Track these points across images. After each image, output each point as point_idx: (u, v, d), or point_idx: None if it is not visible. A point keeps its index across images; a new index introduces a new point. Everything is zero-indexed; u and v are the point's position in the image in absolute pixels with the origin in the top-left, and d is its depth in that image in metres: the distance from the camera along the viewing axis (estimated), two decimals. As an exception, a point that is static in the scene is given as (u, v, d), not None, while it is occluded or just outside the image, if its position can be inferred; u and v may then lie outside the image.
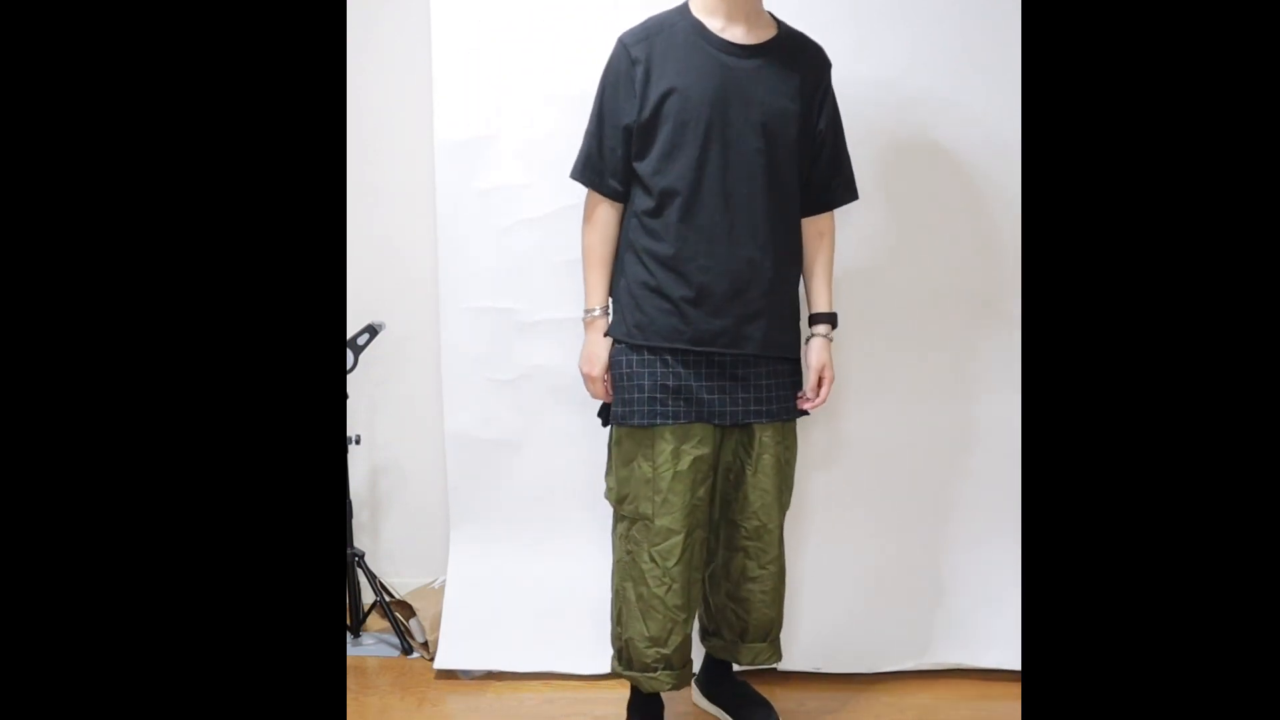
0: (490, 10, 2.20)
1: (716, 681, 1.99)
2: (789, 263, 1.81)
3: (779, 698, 2.04)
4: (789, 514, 1.95)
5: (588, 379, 1.84)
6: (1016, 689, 2.09)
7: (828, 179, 1.86)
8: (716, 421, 1.78)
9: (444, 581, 2.38)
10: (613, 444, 1.87)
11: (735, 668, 2.02)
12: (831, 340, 1.87)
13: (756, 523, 1.84)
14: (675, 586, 1.79)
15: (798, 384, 1.87)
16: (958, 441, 2.22)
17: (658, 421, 1.76)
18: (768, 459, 1.82)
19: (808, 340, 1.88)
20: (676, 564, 1.78)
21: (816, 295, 1.87)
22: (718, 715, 1.99)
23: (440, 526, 2.48)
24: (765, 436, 1.82)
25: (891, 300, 2.19)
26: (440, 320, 2.31)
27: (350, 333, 2.35)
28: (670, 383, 1.76)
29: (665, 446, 1.77)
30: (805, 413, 1.87)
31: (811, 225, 1.87)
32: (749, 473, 1.84)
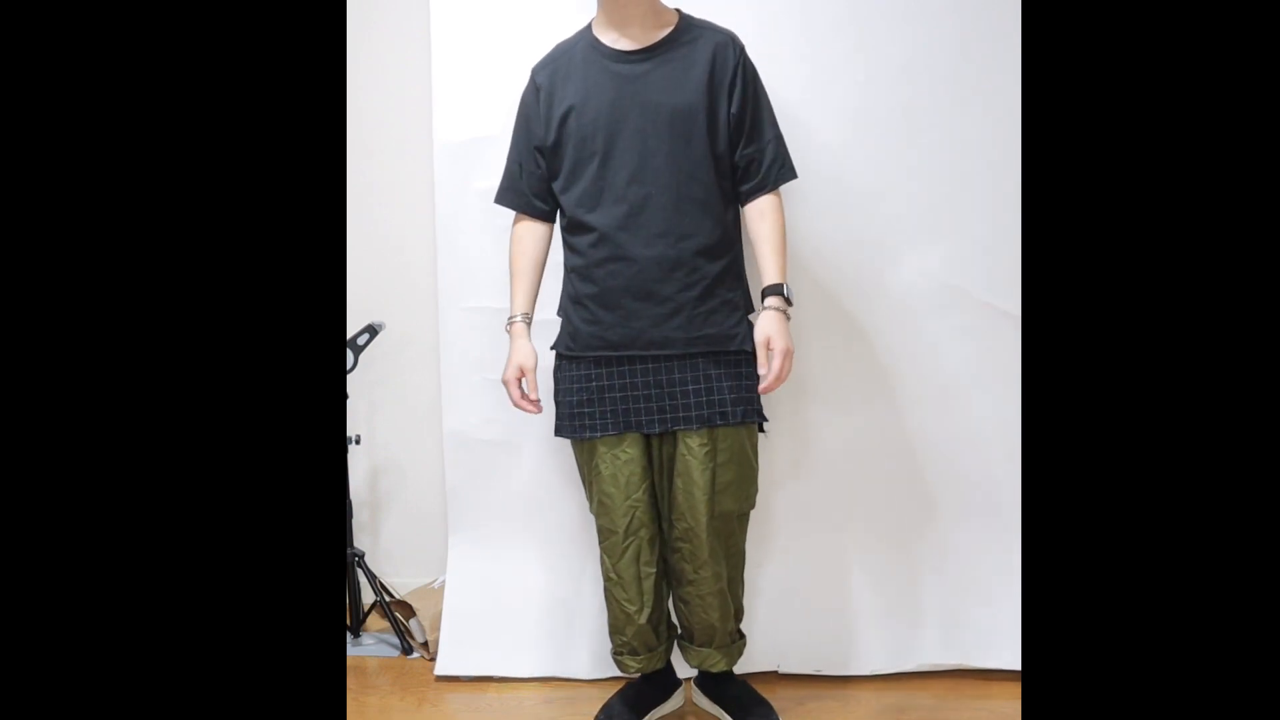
0: (490, 11, 2.20)
1: (716, 681, 1.99)
2: (716, 253, 1.78)
3: (779, 698, 2.03)
4: (769, 520, 1.96)
5: (506, 385, 1.88)
6: (1016, 689, 2.09)
7: (757, 164, 1.81)
8: (645, 431, 1.81)
9: (444, 581, 2.38)
10: None
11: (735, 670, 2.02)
12: (785, 313, 1.78)
13: (685, 524, 1.82)
14: (622, 582, 1.88)
15: (744, 382, 1.80)
16: (958, 441, 2.22)
17: (584, 435, 1.84)
18: (693, 462, 1.79)
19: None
20: (620, 561, 1.88)
21: (764, 270, 1.82)
22: (718, 715, 2.00)
23: (440, 526, 2.48)
24: (690, 441, 1.79)
25: (891, 300, 2.19)
26: (440, 320, 2.31)
27: (350, 333, 2.36)
28: (596, 394, 1.81)
29: (599, 452, 1.85)
30: (747, 420, 1.80)
31: (751, 208, 1.84)
32: (676, 475, 1.82)
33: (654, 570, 1.89)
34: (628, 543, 1.87)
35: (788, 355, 1.75)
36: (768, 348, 1.75)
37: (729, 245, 1.82)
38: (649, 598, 1.89)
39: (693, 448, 1.79)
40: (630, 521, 1.85)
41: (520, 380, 1.87)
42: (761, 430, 1.90)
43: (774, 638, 2.17)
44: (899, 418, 2.23)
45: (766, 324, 1.77)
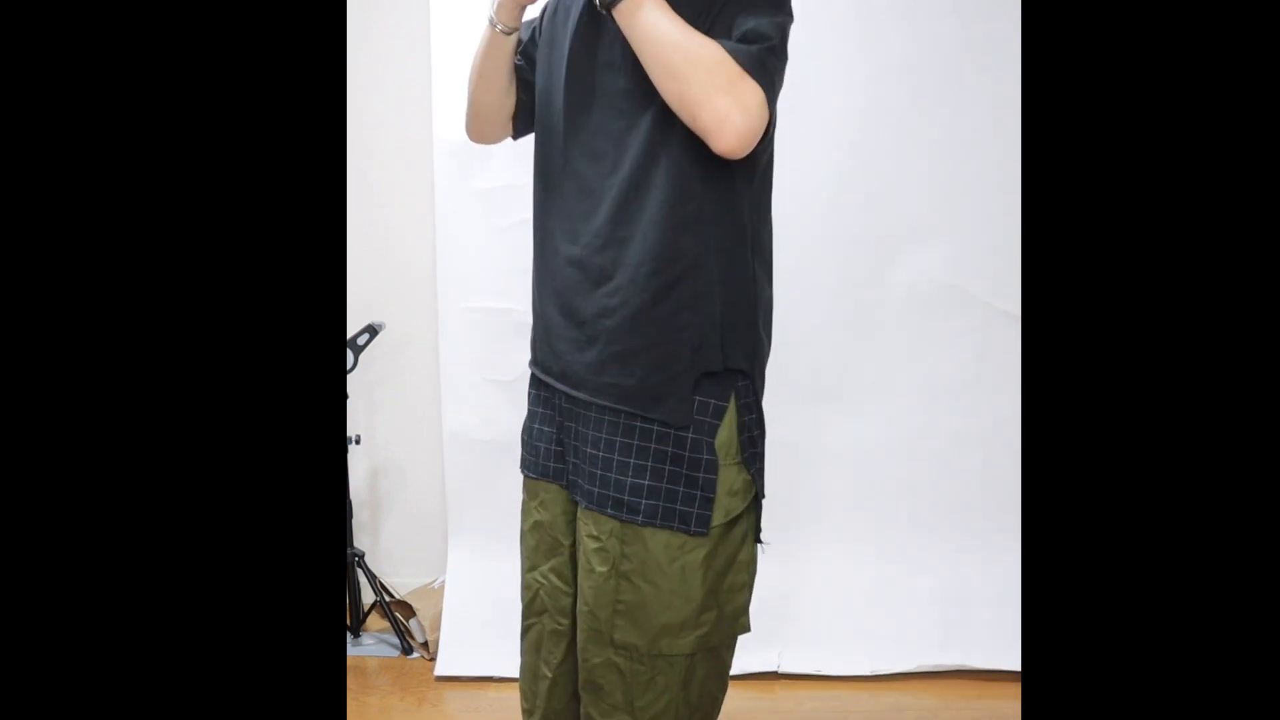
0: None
1: None
2: (657, 268, 1.16)
3: (779, 698, 2.04)
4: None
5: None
6: (1016, 689, 2.09)
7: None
8: (561, 483, 1.30)
9: (444, 581, 2.38)
10: None
11: None
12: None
13: (583, 655, 1.25)
14: (522, 667, 1.39)
15: (667, 467, 1.18)
16: (958, 441, 2.22)
17: (522, 468, 1.38)
18: (595, 560, 1.21)
19: None
20: (522, 640, 1.39)
21: None
22: None
23: (440, 527, 2.48)
24: (589, 525, 1.22)
25: (892, 300, 2.19)
26: (440, 320, 2.31)
27: (350, 333, 2.35)
28: (531, 419, 1.36)
29: (524, 498, 1.38)
30: (656, 523, 1.18)
31: None
32: (579, 570, 1.27)
33: (552, 676, 1.33)
34: (529, 623, 1.36)
35: None
36: None
37: (688, 261, 1.16)
38: (540, 703, 1.35)
39: (597, 540, 1.22)
40: (533, 600, 1.35)
41: None
42: (698, 532, 1.19)
43: (774, 638, 2.17)
44: (899, 417, 2.23)
45: None
